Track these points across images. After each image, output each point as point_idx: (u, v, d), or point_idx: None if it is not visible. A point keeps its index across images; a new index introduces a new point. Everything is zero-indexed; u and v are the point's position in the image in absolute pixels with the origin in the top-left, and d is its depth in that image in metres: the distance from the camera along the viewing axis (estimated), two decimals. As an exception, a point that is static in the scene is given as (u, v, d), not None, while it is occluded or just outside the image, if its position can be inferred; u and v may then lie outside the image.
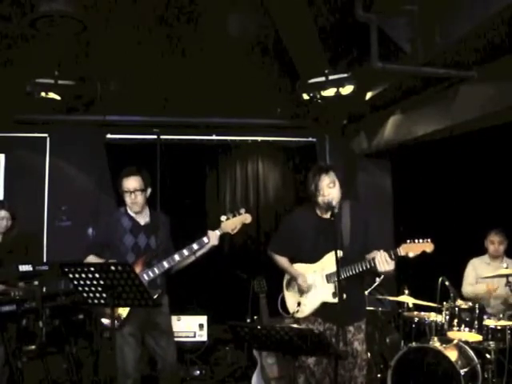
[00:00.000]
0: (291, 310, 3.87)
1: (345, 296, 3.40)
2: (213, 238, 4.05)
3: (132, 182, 4.14)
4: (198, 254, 4.14)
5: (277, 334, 2.92)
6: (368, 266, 3.50)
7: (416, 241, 3.41)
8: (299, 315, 3.77)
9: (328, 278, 3.67)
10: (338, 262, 3.37)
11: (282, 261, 3.96)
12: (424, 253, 3.40)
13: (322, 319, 3.72)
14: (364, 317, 3.82)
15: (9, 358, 4.50)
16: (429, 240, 3.41)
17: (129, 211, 4.24)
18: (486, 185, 5.96)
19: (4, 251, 5.01)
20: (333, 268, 3.60)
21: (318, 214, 3.79)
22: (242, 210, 4.12)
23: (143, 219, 4.25)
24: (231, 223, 4.07)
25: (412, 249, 3.40)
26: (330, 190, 3.64)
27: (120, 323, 3.98)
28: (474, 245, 5.69)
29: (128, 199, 4.16)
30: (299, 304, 3.78)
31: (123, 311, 3.99)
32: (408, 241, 3.43)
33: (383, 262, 3.42)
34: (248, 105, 6.59)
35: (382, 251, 3.43)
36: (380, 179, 7.57)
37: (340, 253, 3.41)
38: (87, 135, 7.25)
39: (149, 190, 4.24)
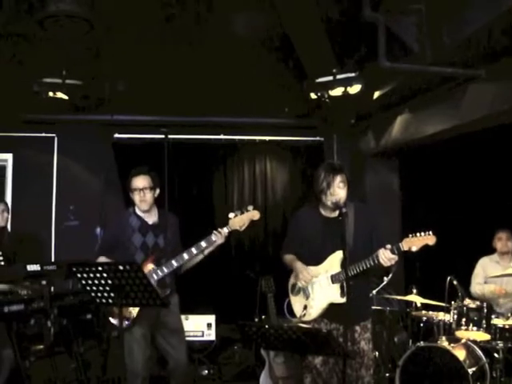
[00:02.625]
0: (298, 314, 3.84)
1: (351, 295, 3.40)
2: (221, 235, 4.04)
3: (141, 181, 4.16)
4: (206, 252, 4.14)
5: (284, 334, 2.92)
6: (372, 263, 3.49)
7: (418, 234, 3.40)
8: (307, 318, 3.75)
9: (333, 278, 3.66)
10: (346, 260, 3.37)
11: (289, 257, 3.93)
12: (427, 246, 3.39)
13: (328, 320, 3.71)
14: (370, 316, 3.81)
15: (17, 357, 4.52)
16: (430, 233, 3.40)
17: (137, 211, 4.26)
18: (494, 184, 5.93)
19: (8, 250, 5.03)
20: (337, 268, 3.62)
21: (322, 213, 3.78)
22: (250, 207, 4.11)
23: (151, 219, 4.27)
24: (239, 220, 4.06)
25: (414, 243, 3.39)
26: (339, 190, 3.63)
27: (130, 323, 3.99)
28: (482, 244, 5.66)
29: (137, 197, 4.18)
30: (306, 307, 3.77)
31: (133, 310, 3.99)
32: (410, 235, 3.42)
33: (386, 257, 3.41)
34: (255, 104, 6.59)
35: (382, 249, 3.43)
36: (388, 179, 7.55)
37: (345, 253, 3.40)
38: (95, 135, 7.27)
39: (157, 190, 4.25)
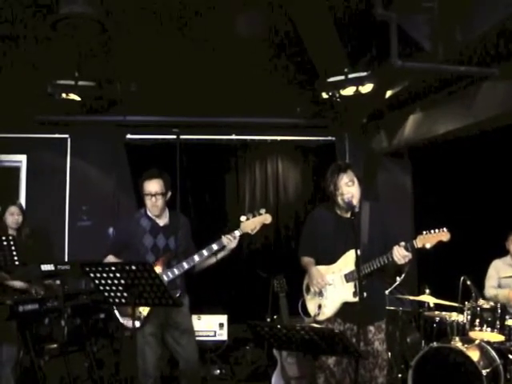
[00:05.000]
0: (312, 314, 3.84)
1: (365, 295, 3.39)
2: (233, 239, 4.04)
3: (154, 185, 4.15)
4: (219, 256, 4.14)
5: (297, 334, 2.92)
6: (386, 261, 3.48)
7: (432, 231, 3.38)
8: (321, 318, 3.75)
9: (347, 277, 3.66)
10: (359, 260, 3.36)
11: (306, 260, 3.92)
12: (441, 243, 3.37)
13: (342, 319, 3.70)
14: (384, 316, 3.79)
15: (31, 356, 4.57)
16: (444, 229, 3.38)
17: (148, 212, 4.27)
18: (507, 184, 5.88)
19: (22, 250, 5.08)
20: (351, 267, 3.60)
21: (337, 213, 3.78)
22: (263, 211, 4.10)
23: (162, 220, 4.27)
24: (251, 223, 4.06)
25: (428, 239, 3.38)
26: (348, 188, 3.63)
27: (141, 323, 4.00)
28: (495, 244, 5.62)
29: (149, 202, 4.18)
30: (320, 307, 3.77)
31: (143, 310, 4.01)
32: (424, 232, 3.40)
33: (400, 254, 3.40)
34: (267, 104, 6.59)
35: (397, 246, 3.42)
36: (400, 178, 7.52)
37: (358, 252, 3.39)
38: (107, 136, 7.32)
39: (169, 193, 4.25)
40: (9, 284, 4.96)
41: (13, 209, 5.29)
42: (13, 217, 5.25)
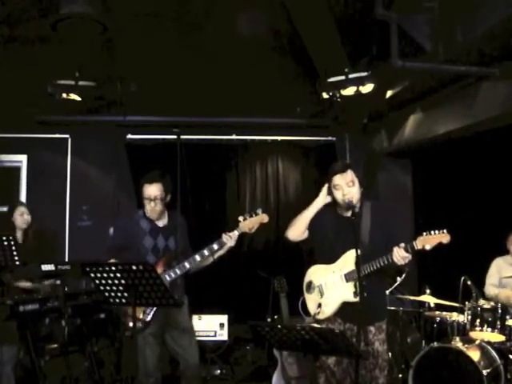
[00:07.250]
0: (312, 312, 3.85)
1: (365, 295, 3.39)
2: (231, 238, 4.07)
3: (154, 190, 4.16)
4: (216, 255, 4.17)
5: (297, 334, 2.92)
6: (386, 262, 3.47)
7: (432, 233, 3.38)
8: (320, 317, 3.75)
9: (347, 276, 3.65)
10: (359, 260, 3.36)
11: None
12: (441, 244, 3.37)
13: (342, 319, 3.70)
14: (385, 317, 3.78)
15: (32, 356, 4.57)
16: (445, 231, 3.37)
17: (147, 213, 4.27)
18: (508, 184, 5.88)
19: (26, 250, 5.09)
20: (351, 267, 3.59)
21: (338, 212, 3.78)
22: (259, 210, 4.16)
23: (161, 221, 4.29)
24: (249, 223, 4.11)
25: (428, 241, 3.36)
26: (349, 188, 3.62)
27: (144, 325, 4.01)
28: (496, 244, 5.62)
29: (148, 207, 4.20)
30: (320, 305, 3.77)
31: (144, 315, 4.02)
32: (424, 233, 3.40)
33: (400, 256, 3.40)
34: (267, 104, 6.59)
35: (396, 247, 3.41)
36: (401, 178, 7.52)
37: (358, 251, 3.39)
38: (108, 136, 7.32)
39: (168, 197, 4.26)
40: (17, 285, 4.97)
41: (22, 209, 5.34)
42: (22, 217, 5.30)
